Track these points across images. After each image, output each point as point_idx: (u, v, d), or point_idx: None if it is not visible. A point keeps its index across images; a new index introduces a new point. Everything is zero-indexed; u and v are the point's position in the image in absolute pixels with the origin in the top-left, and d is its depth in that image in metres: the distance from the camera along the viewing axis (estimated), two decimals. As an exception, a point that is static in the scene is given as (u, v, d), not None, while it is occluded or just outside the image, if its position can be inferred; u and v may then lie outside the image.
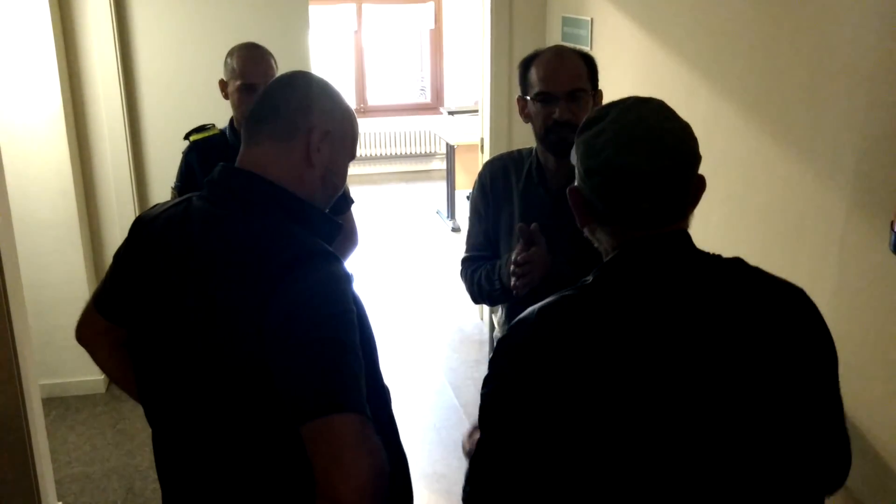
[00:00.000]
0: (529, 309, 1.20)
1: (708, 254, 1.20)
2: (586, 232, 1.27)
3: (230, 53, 2.60)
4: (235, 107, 2.59)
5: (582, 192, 1.21)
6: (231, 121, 2.68)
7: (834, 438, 1.22)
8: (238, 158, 1.38)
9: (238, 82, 2.53)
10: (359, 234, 2.70)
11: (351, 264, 2.69)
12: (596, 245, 1.26)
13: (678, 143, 1.15)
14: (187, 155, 2.69)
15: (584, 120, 1.23)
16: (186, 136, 2.72)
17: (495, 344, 1.23)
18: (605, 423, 1.11)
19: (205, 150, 2.64)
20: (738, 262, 1.21)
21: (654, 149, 1.13)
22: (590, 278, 1.20)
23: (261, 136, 1.37)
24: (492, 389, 1.20)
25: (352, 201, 2.62)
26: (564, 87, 1.90)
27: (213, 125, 2.72)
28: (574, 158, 1.23)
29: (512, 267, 1.83)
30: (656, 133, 1.15)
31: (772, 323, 1.16)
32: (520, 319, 1.20)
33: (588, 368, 1.12)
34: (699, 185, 1.20)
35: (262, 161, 1.35)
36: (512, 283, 1.83)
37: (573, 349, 1.13)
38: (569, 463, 1.13)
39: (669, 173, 1.13)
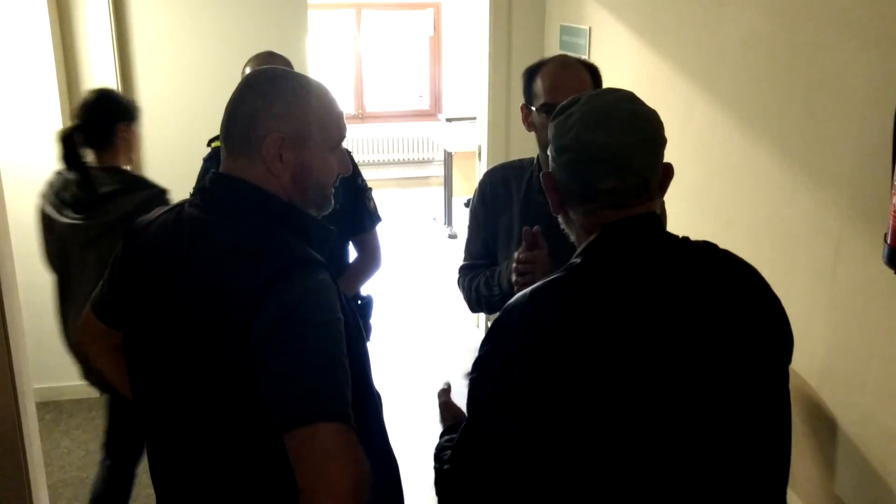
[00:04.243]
0: (521, 292, 1.24)
1: (678, 237, 1.28)
2: (560, 218, 1.33)
3: (248, 63, 2.60)
4: None
5: (555, 176, 1.28)
6: None
7: (780, 428, 1.28)
8: (220, 168, 1.37)
9: None
10: (381, 256, 2.58)
11: (371, 285, 2.65)
12: (566, 230, 1.33)
13: (642, 122, 1.23)
14: (207, 161, 2.64)
15: (557, 107, 1.30)
16: (209, 143, 2.68)
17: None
18: (593, 405, 1.16)
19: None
20: (708, 245, 1.28)
21: (619, 126, 1.21)
22: (577, 260, 1.25)
23: (228, 154, 1.36)
24: (482, 372, 1.25)
25: (378, 219, 2.54)
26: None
27: None
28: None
29: (514, 264, 1.83)
30: (621, 113, 1.22)
31: (737, 302, 1.23)
32: (512, 303, 1.24)
33: (577, 350, 1.16)
34: (667, 171, 1.27)
35: (241, 173, 1.33)
36: (513, 278, 1.83)
37: (563, 331, 1.17)
38: (556, 444, 1.17)
39: (633, 149, 1.20)
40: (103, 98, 2.61)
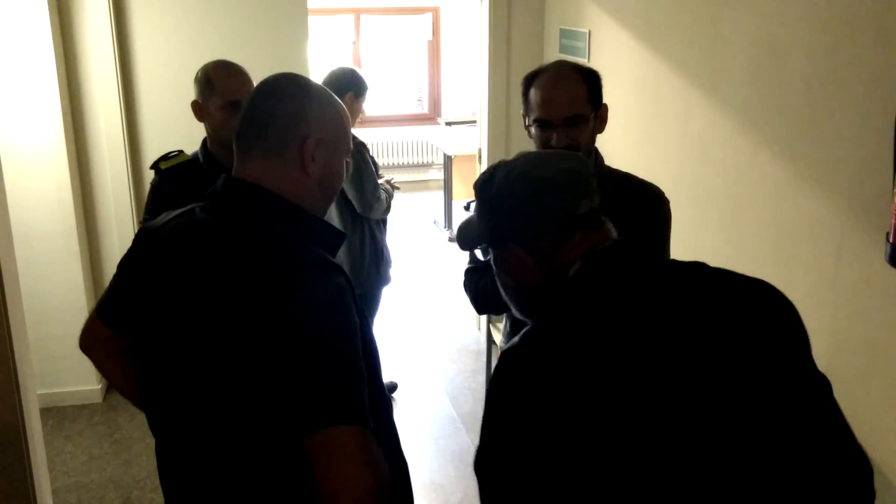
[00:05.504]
0: (511, 342, 1.18)
1: (666, 261, 1.26)
2: (525, 284, 1.26)
3: (203, 72, 2.43)
4: (219, 126, 2.40)
5: (527, 233, 1.23)
6: (204, 143, 2.50)
7: (833, 425, 1.19)
8: (234, 172, 1.37)
9: (221, 101, 2.37)
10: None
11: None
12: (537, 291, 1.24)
13: (568, 155, 1.34)
14: (159, 185, 2.47)
15: (477, 185, 1.31)
16: (154, 166, 2.51)
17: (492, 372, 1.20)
18: (612, 446, 1.08)
19: (179, 178, 2.44)
20: (701, 266, 1.22)
21: (556, 159, 1.30)
22: (555, 302, 1.18)
23: (252, 153, 1.35)
24: (491, 441, 1.16)
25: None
26: (561, 114, 1.90)
27: (181, 151, 2.53)
28: (480, 221, 1.30)
29: None
30: (549, 155, 1.34)
31: (745, 319, 1.15)
32: (507, 353, 1.17)
33: (585, 394, 1.09)
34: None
35: (259, 175, 1.34)
36: None
37: (567, 380, 1.10)
38: (578, 497, 1.10)
39: (584, 170, 1.27)
40: (338, 73, 3.50)
